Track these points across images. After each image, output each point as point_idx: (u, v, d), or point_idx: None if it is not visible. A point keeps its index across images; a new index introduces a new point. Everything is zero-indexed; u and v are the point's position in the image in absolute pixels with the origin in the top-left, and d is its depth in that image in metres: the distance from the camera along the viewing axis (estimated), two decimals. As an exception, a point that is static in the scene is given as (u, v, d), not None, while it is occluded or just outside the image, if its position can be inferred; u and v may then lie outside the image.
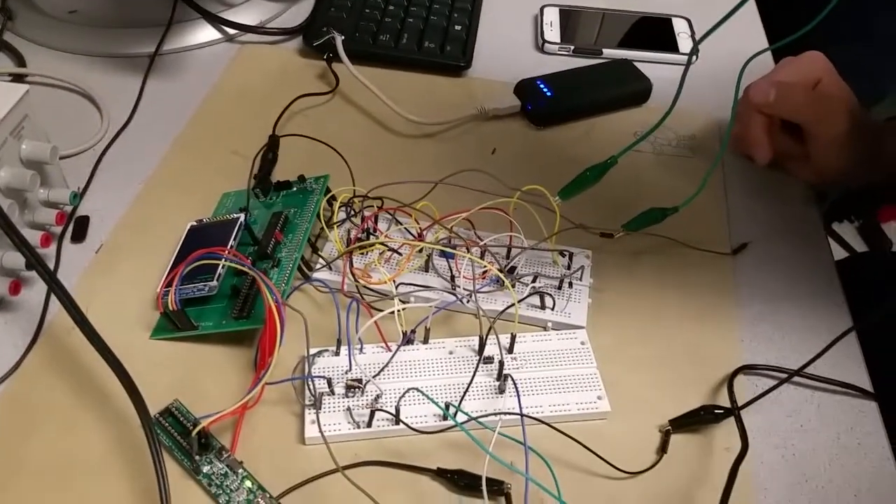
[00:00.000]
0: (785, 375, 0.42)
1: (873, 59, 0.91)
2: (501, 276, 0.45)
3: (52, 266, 0.47)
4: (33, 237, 0.45)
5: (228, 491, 0.36)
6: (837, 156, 0.50)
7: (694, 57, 0.68)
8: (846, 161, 0.51)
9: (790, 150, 0.52)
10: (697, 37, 0.68)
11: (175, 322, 0.42)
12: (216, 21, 0.65)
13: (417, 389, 0.39)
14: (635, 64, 0.63)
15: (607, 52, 0.66)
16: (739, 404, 0.41)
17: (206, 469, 0.37)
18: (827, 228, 1.50)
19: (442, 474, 0.38)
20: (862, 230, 1.52)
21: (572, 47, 0.66)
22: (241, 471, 0.37)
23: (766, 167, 0.55)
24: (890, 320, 0.61)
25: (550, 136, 0.60)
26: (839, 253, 1.46)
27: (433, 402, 0.39)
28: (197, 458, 0.37)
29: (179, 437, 0.38)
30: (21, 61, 0.62)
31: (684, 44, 0.67)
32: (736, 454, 0.39)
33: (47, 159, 0.46)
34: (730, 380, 0.43)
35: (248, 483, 0.37)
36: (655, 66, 0.66)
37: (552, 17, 0.69)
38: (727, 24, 0.67)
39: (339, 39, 0.61)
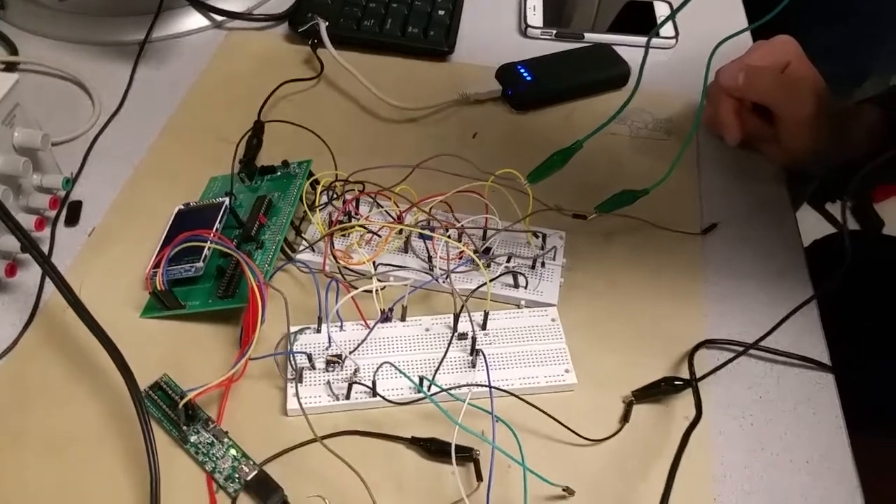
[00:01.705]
0: (742, 348, 0.44)
1: (854, 40, 0.92)
2: (474, 257, 0.47)
3: (46, 249, 0.49)
4: (28, 221, 0.47)
5: (214, 459, 0.39)
6: (805, 137, 0.52)
7: (674, 41, 0.70)
8: (814, 142, 0.52)
9: (760, 131, 0.54)
10: (677, 19, 0.69)
11: (163, 301, 0.44)
12: (204, 8, 0.67)
13: (390, 363, 0.41)
14: (617, 48, 0.65)
15: (589, 36, 0.67)
16: (699, 376, 0.43)
17: (193, 438, 0.39)
18: (820, 208, 1.52)
19: (415, 442, 0.40)
20: (855, 210, 1.54)
21: (555, 31, 0.68)
22: (226, 440, 0.39)
23: (738, 148, 0.56)
24: (849, 296, 0.63)
25: (531, 120, 0.61)
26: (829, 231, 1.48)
27: (405, 375, 0.41)
28: (184, 428, 0.39)
29: (168, 408, 0.40)
30: (13, 50, 0.64)
31: (665, 27, 0.68)
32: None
33: (39, 146, 0.48)
34: (691, 353, 0.45)
35: (232, 451, 0.39)
36: (637, 50, 0.67)
37: (535, 1, 0.70)
38: (708, 8, 0.68)
39: (323, 25, 0.62)
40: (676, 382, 0.43)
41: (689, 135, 0.52)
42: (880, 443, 0.56)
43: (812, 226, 1.51)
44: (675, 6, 0.70)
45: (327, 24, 0.62)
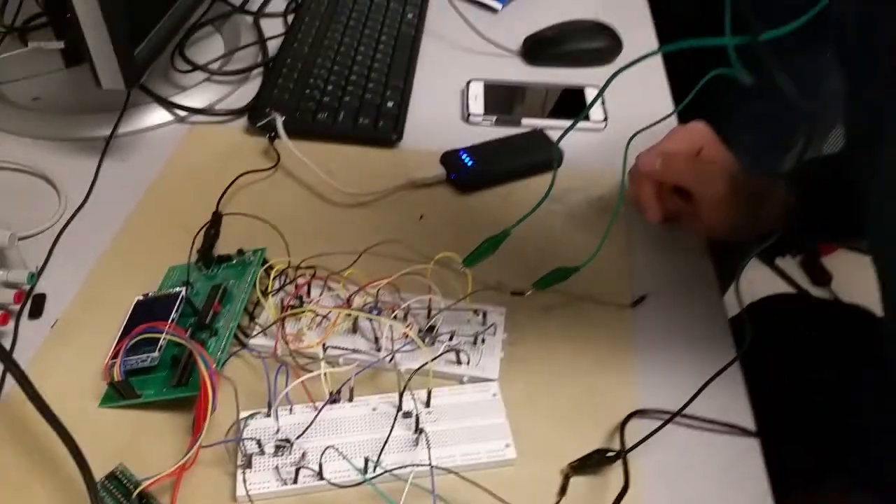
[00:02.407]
0: (668, 416, 0.47)
1: (780, 112, 0.98)
2: (415, 338, 0.50)
3: (9, 342, 0.51)
4: (-8, 317, 0.50)
5: (167, 545, 0.40)
6: (721, 215, 0.57)
7: (604, 124, 0.75)
8: (729, 219, 0.57)
9: (681, 209, 0.58)
10: (608, 105, 0.75)
11: (120, 391, 0.47)
12: (168, 105, 0.71)
13: (333, 447, 0.44)
14: (549, 132, 0.70)
15: (525, 121, 0.73)
16: (630, 446, 0.46)
17: (146, 526, 0.41)
18: (770, 264, 1.59)
19: (360, 524, 0.42)
20: (804, 264, 1.60)
21: (495, 118, 0.73)
22: (178, 526, 0.41)
23: (663, 223, 0.61)
24: (774, 362, 0.67)
25: (473, 202, 0.66)
26: (782, 287, 1.53)
27: (347, 459, 0.43)
28: (138, 517, 0.41)
29: (123, 497, 0.42)
30: (-15, 148, 0.68)
31: (595, 112, 0.73)
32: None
33: (6, 245, 0.51)
34: (622, 423, 0.48)
35: (184, 537, 0.41)
36: (571, 134, 0.72)
37: (477, 90, 0.76)
38: (636, 92, 0.74)
39: (279, 120, 0.67)
40: (609, 454, 0.46)
41: (613, 213, 0.56)
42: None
43: (766, 280, 1.58)
44: (604, 89, 0.77)
45: (284, 118, 0.67)
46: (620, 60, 0.83)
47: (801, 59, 0.97)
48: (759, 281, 1.60)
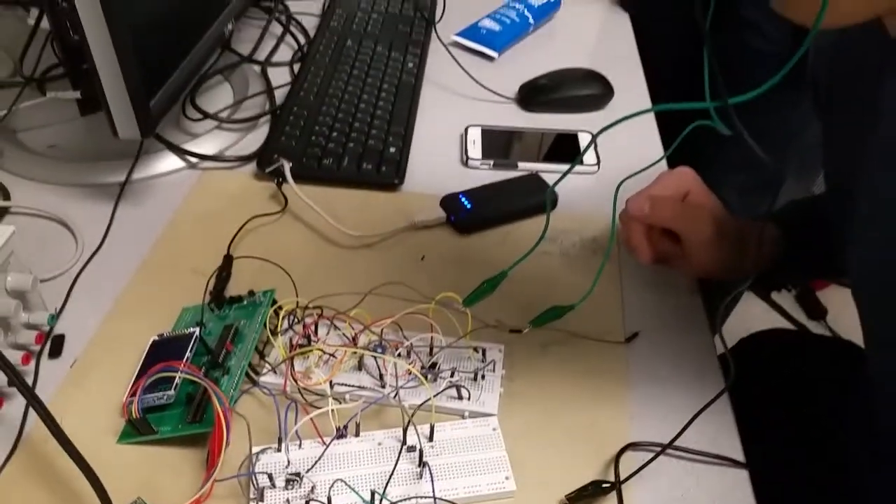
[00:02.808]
0: (659, 449, 0.50)
1: (770, 151, 1.02)
2: (418, 375, 0.52)
3: (31, 381, 0.54)
4: (15, 357, 0.52)
5: (183, 576, 0.42)
6: (708, 256, 0.60)
7: (597, 167, 0.79)
8: (717, 260, 0.60)
9: (670, 250, 0.61)
10: (600, 149, 0.78)
11: (138, 428, 0.49)
12: (180, 152, 0.74)
13: (342, 481, 0.46)
14: (545, 176, 0.73)
15: (522, 164, 0.76)
16: (623, 478, 0.48)
17: (163, 557, 0.43)
18: (766, 298, 1.61)
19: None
20: (799, 299, 1.63)
21: (492, 162, 0.76)
22: (194, 558, 0.43)
23: (654, 264, 0.64)
24: (765, 396, 0.70)
25: (472, 243, 0.68)
26: (778, 321, 1.56)
27: (354, 492, 0.46)
28: (156, 548, 0.43)
29: (141, 530, 0.44)
30: (6, 194, 0.71)
31: (588, 156, 0.77)
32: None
33: (28, 288, 0.54)
34: (617, 456, 0.50)
35: (199, 568, 0.43)
36: (567, 177, 0.75)
37: (475, 136, 0.79)
38: (629, 138, 0.77)
39: (287, 166, 0.70)
40: (604, 485, 0.48)
41: (605, 255, 0.59)
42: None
43: (762, 314, 1.60)
44: (595, 138, 0.80)
45: (290, 164, 0.70)
46: (612, 106, 0.87)
47: (786, 109, 1.02)
48: (755, 315, 1.62)
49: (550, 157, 0.78)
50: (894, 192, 0.47)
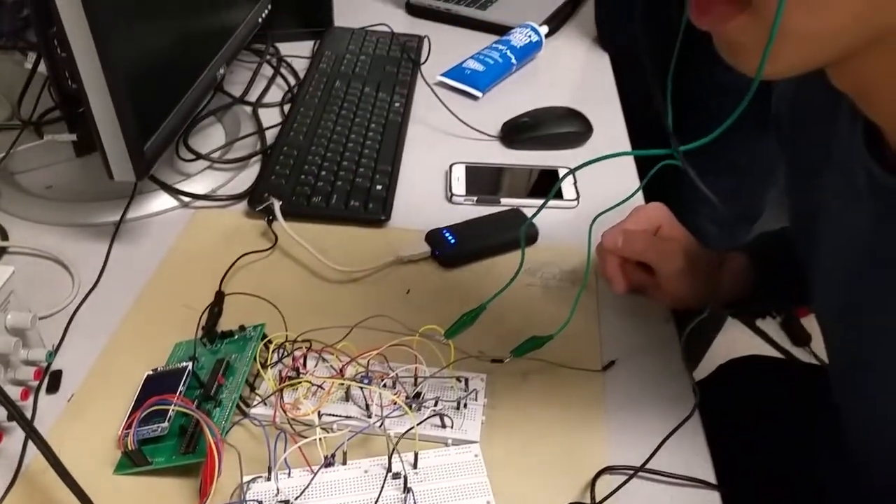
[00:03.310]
0: (633, 471, 0.52)
1: (743, 187, 1.06)
2: (402, 404, 0.55)
3: (30, 415, 0.56)
4: (14, 392, 0.54)
5: None
6: (680, 286, 0.62)
7: (576, 202, 0.82)
8: (689, 290, 0.63)
9: (644, 281, 0.64)
10: (580, 184, 0.82)
11: (133, 459, 0.51)
12: (173, 191, 0.77)
13: (329, 506, 0.48)
14: (527, 210, 0.76)
15: (505, 200, 0.79)
16: (599, 500, 0.51)
17: (157, 584, 0.45)
18: (749, 323, 1.64)
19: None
20: (784, 325, 1.66)
21: (476, 198, 0.79)
22: (186, 584, 0.45)
23: (630, 293, 0.66)
24: (739, 420, 0.72)
25: (456, 276, 0.71)
26: (763, 348, 1.59)
27: (341, 517, 0.48)
28: (149, 575, 0.45)
29: (135, 558, 0.46)
30: (4, 235, 0.73)
31: (568, 191, 0.80)
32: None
33: (28, 326, 0.56)
34: (593, 479, 0.52)
35: None
36: (548, 211, 0.79)
37: (459, 173, 0.82)
38: (608, 174, 0.81)
39: (276, 205, 0.73)
40: (580, 507, 0.50)
41: (581, 286, 0.62)
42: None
43: (746, 340, 1.63)
44: (575, 174, 0.84)
45: (280, 202, 0.73)
46: (591, 143, 0.91)
47: (762, 142, 1.05)
48: (740, 342, 1.65)
49: (533, 193, 0.81)
50: (849, 225, 0.50)
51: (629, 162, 0.88)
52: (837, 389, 0.55)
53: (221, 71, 0.83)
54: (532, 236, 0.74)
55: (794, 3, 0.33)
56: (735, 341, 1.64)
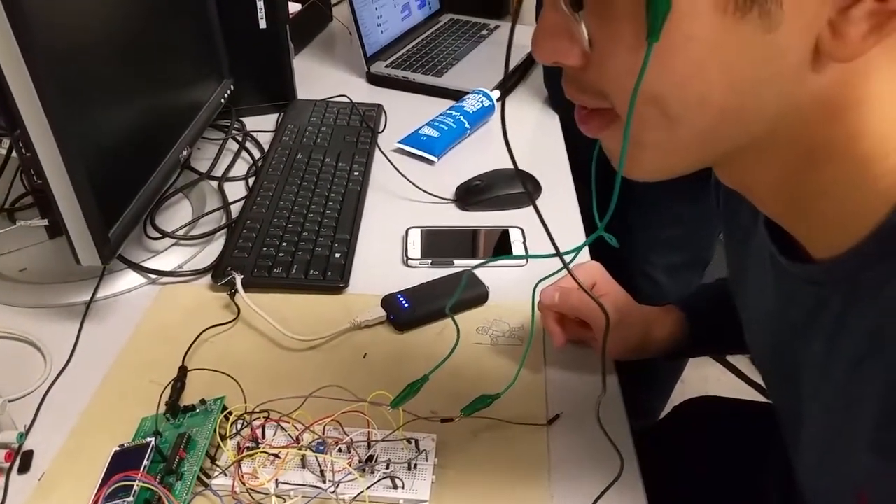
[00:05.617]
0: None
1: (692, 234, 1.11)
2: (352, 470, 0.58)
3: (1, 497, 0.58)
4: (-15, 476, 0.57)
5: None
6: (614, 340, 0.66)
7: (525, 261, 0.86)
8: (622, 342, 0.67)
9: (582, 334, 0.69)
10: (529, 243, 0.86)
11: (98, 536, 0.53)
12: (141, 269, 0.81)
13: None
14: (479, 271, 0.81)
15: (458, 262, 0.83)
16: (540, 552, 0.54)
17: None
18: (722, 360, 1.68)
19: None
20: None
21: (430, 261, 0.84)
22: None
23: (573, 345, 0.70)
24: (691, 463, 0.75)
25: (410, 339, 0.75)
26: (736, 383, 1.62)
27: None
28: None
29: None
30: (-22, 321, 0.76)
31: (517, 248, 0.84)
32: None
33: (-2, 411, 0.59)
34: (536, 532, 0.56)
35: None
36: (496, 270, 0.83)
37: (415, 237, 0.87)
38: (558, 232, 0.85)
39: (238, 279, 0.77)
40: (523, 560, 0.53)
41: (526, 344, 0.66)
42: None
43: (719, 376, 1.66)
44: (525, 234, 0.88)
45: (242, 276, 0.77)
46: (541, 201, 0.95)
47: (699, 193, 1.11)
48: (711, 377, 1.69)
49: (484, 254, 0.86)
50: (764, 289, 0.54)
51: (576, 219, 0.93)
52: (783, 430, 0.58)
53: (185, 152, 0.88)
54: (482, 296, 0.78)
55: (646, 119, 0.38)
56: (706, 377, 1.67)
